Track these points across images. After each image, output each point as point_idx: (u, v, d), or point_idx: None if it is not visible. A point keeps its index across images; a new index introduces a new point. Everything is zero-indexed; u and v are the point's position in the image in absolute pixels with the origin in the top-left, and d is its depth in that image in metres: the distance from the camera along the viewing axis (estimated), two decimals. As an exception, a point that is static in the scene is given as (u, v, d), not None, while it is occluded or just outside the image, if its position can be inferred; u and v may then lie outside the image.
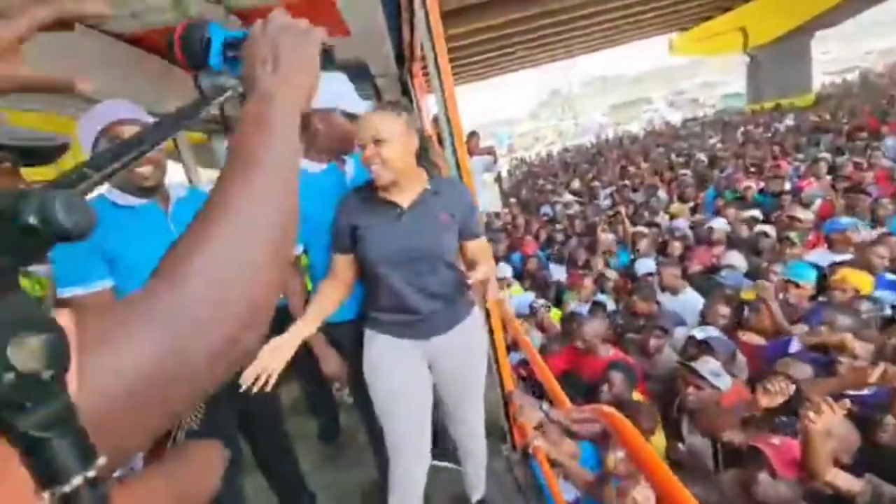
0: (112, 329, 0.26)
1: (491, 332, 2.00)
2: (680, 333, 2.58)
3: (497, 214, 6.31)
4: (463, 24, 6.53)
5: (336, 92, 1.42)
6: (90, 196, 0.25)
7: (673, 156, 9.22)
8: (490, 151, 4.49)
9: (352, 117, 1.37)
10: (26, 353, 0.19)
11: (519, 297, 3.54)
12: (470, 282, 1.11)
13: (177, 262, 0.30)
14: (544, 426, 1.70)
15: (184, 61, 0.47)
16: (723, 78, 40.46)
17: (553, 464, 1.68)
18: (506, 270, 3.85)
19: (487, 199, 5.76)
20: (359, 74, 4.44)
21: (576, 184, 8.56)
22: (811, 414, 1.32)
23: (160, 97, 2.85)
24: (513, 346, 2.37)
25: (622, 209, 4.64)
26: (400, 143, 1.15)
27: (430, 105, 4.44)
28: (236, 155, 0.36)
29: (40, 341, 0.19)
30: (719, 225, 3.97)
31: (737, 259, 3.30)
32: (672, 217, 4.98)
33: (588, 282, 3.38)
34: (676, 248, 3.71)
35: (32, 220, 0.18)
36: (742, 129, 10.73)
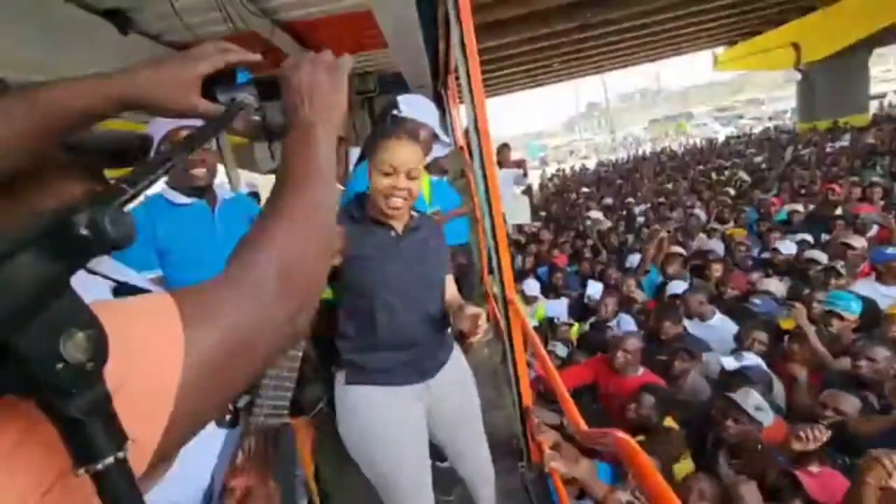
0: (207, 306, 0.32)
1: (511, 345, 1.99)
2: (711, 359, 2.47)
3: (521, 227, 6.25)
4: (498, 38, 6.57)
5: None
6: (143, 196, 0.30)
7: (713, 174, 8.89)
8: (520, 164, 4.48)
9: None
10: (74, 347, 0.22)
11: (555, 304, 3.53)
12: (468, 313, 1.09)
13: (251, 252, 0.37)
14: (561, 445, 1.67)
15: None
16: (770, 94, 38.80)
17: (568, 482, 1.64)
18: (533, 287, 3.81)
19: (516, 212, 5.72)
20: (395, 86, 4.56)
21: (608, 200, 8.40)
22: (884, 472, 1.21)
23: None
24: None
25: (663, 232, 4.50)
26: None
27: (463, 117, 4.49)
28: (290, 171, 0.44)
29: (85, 336, 0.22)
30: (787, 249, 3.75)
31: (775, 285, 3.14)
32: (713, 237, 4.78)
33: (611, 301, 3.29)
34: (715, 270, 3.56)
35: (85, 232, 0.21)
36: (790, 148, 10.23)
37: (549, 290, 4.06)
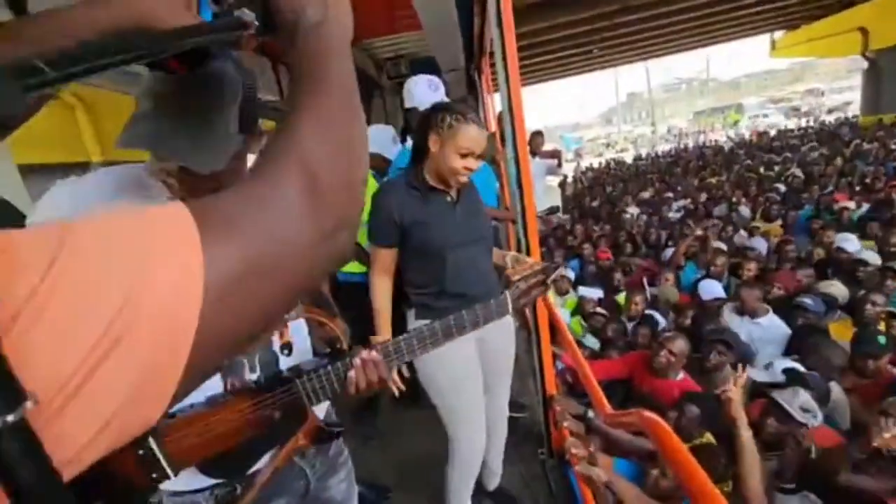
0: (224, 220, 0.28)
1: (537, 333, 1.95)
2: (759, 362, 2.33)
3: (554, 217, 6.11)
4: (535, 21, 6.35)
5: (430, 87, 1.91)
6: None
7: (761, 169, 8.38)
8: (555, 154, 4.37)
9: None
10: None
11: (589, 289, 3.45)
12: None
13: (272, 162, 0.33)
14: (583, 437, 1.63)
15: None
16: (831, 85, 36.05)
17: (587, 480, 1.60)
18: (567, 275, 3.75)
19: (548, 203, 5.61)
20: (427, 70, 4.53)
21: (646, 194, 8.08)
22: None
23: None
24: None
25: (698, 230, 4.29)
26: None
27: (496, 101, 4.42)
28: (306, 75, 0.37)
29: None
30: (854, 247, 3.49)
31: (837, 288, 2.92)
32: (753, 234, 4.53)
33: (639, 298, 3.17)
34: (748, 269, 3.36)
35: None
36: (852, 143, 9.48)
37: (579, 283, 3.98)
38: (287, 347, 0.85)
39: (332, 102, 0.36)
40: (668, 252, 4.20)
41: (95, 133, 3.36)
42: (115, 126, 3.48)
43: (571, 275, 3.84)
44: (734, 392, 1.46)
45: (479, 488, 1.71)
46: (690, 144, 18.97)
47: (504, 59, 1.62)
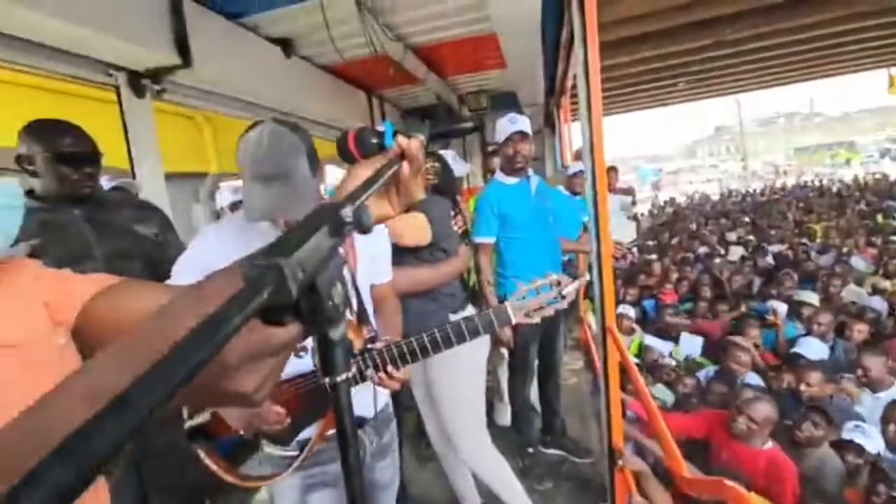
0: None
1: (606, 379, 1.88)
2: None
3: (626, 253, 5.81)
4: (620, 56, 6.26)
5: (509, 124, 2.16)
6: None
7: (879, 218, 7.40)
8: (629, 192, 4.25)
9: (525, 136, 2.14)
10: (337, 293, 0.32)
11: (657, 341, 3.24)
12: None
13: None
14: (650, 480, 1.53)
15: (356, 151, 0.61)
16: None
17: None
18: (630, 316, 3.55)
19: (622, 238, 5.39)
20: (507, 104, 4.66)
21: (733, 235, 7.45)
22: None
23: (346, 117, 3.46)
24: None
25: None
26: None
27: (572, 134, 4.42)
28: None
29: (343, 289, 0.34)
30: None
31: None
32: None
33: (744, 356, 2.86)
34: (859, 331, 2.94)
35: (349, 219, 0.34)
36: None
37: (649, 324, 3.75)
38: (303, 349, 1.03)
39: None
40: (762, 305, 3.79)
41: (216, 149, 3.89)
42: (229, 143, 3.99)
43: (631, 312, 3.61)
44: None
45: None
46: (790, 183, 17.23)
47: (588, 103, 1.65)
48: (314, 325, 0.32)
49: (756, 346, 3.04)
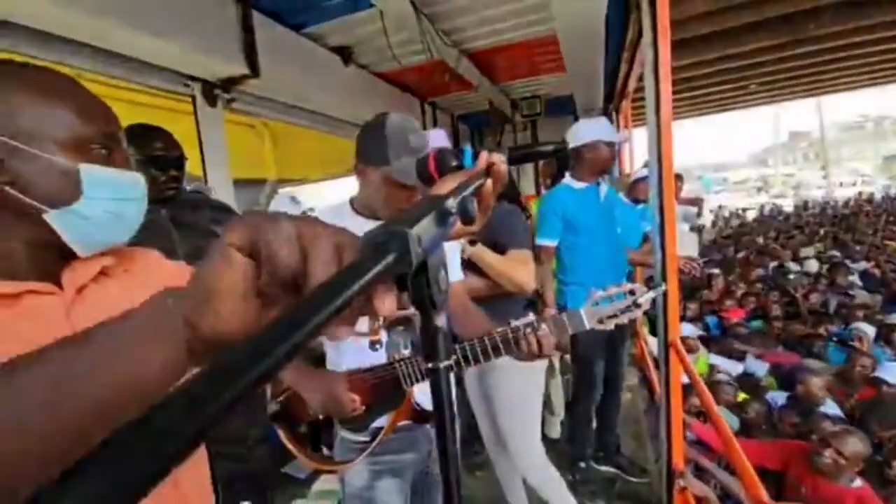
0: None
1: (667, 397, 1.76)
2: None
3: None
4: (685, 57, 5.91)
5: (596, 128, 2.07)
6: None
7: None
8: (696, 202, 4.00)
9: (610, 145, 2.04)
10: (441, 279, 0.31)
11: (725, 361, 3.04)
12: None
13: None
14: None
15: (435, 173, 0.62)
16: None
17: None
18: (690, 333, 3.32)
19: (682, 247, 5.08)
20: (562, 109, 4.56)
21: (810, 250, 6.80)
22: None
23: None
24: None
25: None
26: None
27: (630, 139, 4.24)
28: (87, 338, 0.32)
29: (446, 275, 0.32)
30: None
31: None
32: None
33: (819, 382, 2.58)
34: None
35: (453, 209, 0.33)
36: None
37: (712, 343, 3.48)
38: (378, 342, 1.06)
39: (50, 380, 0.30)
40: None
41: (274, 156, 4.13)
42: (287, 151, 4.22)
43: (693, 331, 3.38)
44: None
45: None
46: (878, 194, 15.49)
47: (657, 104, 1.56)
48: (420, 305, 0.31)
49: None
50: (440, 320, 0.33)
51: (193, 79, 2.10)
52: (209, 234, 1.60)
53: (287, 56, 2.39)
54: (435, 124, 4.09)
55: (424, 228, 0.28)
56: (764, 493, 0.99)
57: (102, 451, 0.15)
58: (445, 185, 0.58)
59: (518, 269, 1.52)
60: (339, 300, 0.21)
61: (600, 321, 0.95)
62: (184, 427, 0.16)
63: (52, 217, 0.53)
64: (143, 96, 2.23)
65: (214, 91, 2.18)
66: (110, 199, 0.56)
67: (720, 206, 15.38)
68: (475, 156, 0.58)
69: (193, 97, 2.13)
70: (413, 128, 1.04)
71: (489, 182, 0.54)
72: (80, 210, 0.53)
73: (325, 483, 2.26)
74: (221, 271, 0.28)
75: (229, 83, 2.19)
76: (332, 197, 3.23)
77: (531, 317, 0.95)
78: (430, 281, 0.30)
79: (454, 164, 0.60)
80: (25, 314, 0.51)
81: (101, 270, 0.59)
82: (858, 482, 1.73)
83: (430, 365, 0.34)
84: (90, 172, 0.54)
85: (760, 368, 3.01)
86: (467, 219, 0.35)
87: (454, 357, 0.99)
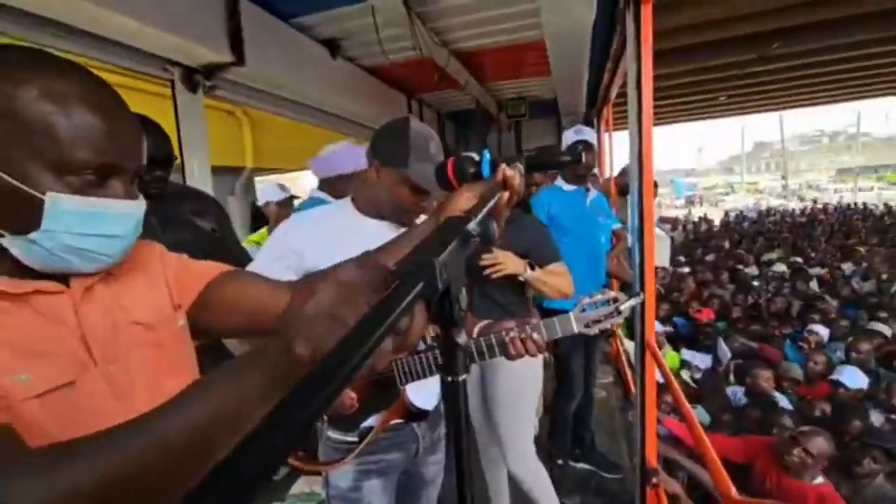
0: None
1: (642, 396, 1.83)
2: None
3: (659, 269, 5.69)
4: (658, 68, 6.13)
5: (575, 131, 2.19)
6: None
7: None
8: (671, 221, 4.16)
9: (589, 146, 2.14)
10: (462, 298, 0.34)
11: (695, 354, 3.23)
12: None
13: (77, 451, 0.40)
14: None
15: (454, 179, 0.64)
16: None
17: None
18: (658, 332, 3.47)
19: (656, 257, 5.26)
20: (546, 112, 4.64)
21: (773, 254, 7.18)
22: None
23: (385, 118, 3.52)
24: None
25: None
26: None
27: (612, 140, 4.36)
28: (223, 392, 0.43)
29: (467, 294, 0.35)
30: None
31: None
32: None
33: (766, 375, 2.79)
34: None
35: (476, 231, 0.36)
36: None
37: (682, 342, 3.65)
38: None
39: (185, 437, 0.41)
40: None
41: (253, 145, 4.02)
42: (265, 139, 4.12)
43: (661, 329, 3.55)
44: None
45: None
46: (832, 204, 16.48)
47: (639, 111, 1.62)
48: (442, 324, 0.34)
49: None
50: (461, 337, 0.36)
51: (173, 63, 2.02)
52: (192, 227, 1.56)
53: (274, 45, 2.33)
54: (421, 121, 4.08)
55: (451, 253, 0.32)
56: (732, 488, 1.06)
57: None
58: (463, 198, 0.59)
59: (563, 283, 1.64)
60: (380, 329, 0.26)
61: (587, 325, 0.99)
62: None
63: (7, 241, 0.49)
64: (117, 77, 2.12)
65: (195, 77, 2.10)
66: (75, 234, 0.49)
67: (689, 211, 16.00)
68: (493, 163, 0.59)
69: (172, 82, 2.05)
70: (433, 136, 1.06)
71: (505, 195, 0.56)
72: (37, 240, 0.48)
73: (304, 485, 2.22)
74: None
75: (212, 70, 2.12)
76: (307, 186, 3.18)
77: (534, 320, 0.98)
78: (451, 301, 0.33)
79: (472, 171, 0.61)
80: (34, 313, 0.50)
81: (107, 269, 0.58)
82: (820, 479, 1.85)
83: (448, 378, 0.37)
84: (57, 203, 0.47)
85: (725, 355, 3.26)
86: (488, 241, 0.38)
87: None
